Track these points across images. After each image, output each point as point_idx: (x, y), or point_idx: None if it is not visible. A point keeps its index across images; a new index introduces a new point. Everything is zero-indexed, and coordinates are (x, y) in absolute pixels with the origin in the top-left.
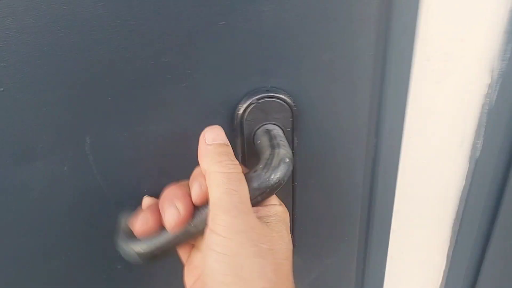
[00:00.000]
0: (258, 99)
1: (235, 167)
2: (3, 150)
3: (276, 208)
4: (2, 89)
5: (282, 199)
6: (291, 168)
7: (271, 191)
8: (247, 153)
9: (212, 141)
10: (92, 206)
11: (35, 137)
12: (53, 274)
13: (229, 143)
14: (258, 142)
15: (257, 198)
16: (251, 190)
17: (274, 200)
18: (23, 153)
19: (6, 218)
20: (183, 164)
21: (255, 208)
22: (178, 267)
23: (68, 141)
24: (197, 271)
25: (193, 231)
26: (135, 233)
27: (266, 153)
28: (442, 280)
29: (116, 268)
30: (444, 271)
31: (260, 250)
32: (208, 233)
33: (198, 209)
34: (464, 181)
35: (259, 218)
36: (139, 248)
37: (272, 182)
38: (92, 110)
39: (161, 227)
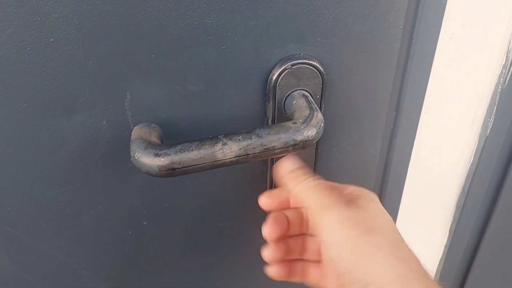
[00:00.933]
0: (292, 65)
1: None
2: (45, 101)
3: (358, 190)
4: (52, 40)
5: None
6: (322, 132)
7: (303, 146)
8: (277, 117)
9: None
10: (125, 162)
11: (78, 90)
12: (81, 228)
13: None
14: (294, 102)
15: (289, 149)
16: (285, 139)
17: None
18: (65, 105)
19: (43, 168)
20: (214, 123)
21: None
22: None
23: (109, 96)
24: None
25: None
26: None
27: (305, 112)
28: (442, 255)
29: (142, 224)
30: (445, 246)
31: (366, 227)
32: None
33: None
34: (472, 158)
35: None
36: (159, 160)
37: (308, 137)
38: (135, 66)
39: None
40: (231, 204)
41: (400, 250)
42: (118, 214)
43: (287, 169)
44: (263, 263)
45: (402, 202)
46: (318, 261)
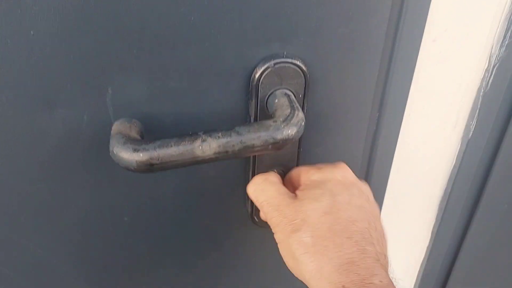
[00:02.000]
0: (274, 64)
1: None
2: (26, 96)
3: (316, 173)
4: (32, 32)
5: (287, 164)
6: (302, 132)
7: (283, 144)
8: (260, 115)
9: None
10: (106, 158)
11: (59, 84)
12: (61, 224)
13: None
14: (276, 101)
15: (268, 147)
16: (265, 137)
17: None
18: (45, 99)
19: (23, 163)
20: (197, 120)
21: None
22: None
23: (91, 90)
24: None
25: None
26: None
27: (287, 110)
28: (424, 256)
29: (123, 221)
30: (428, 247)
31: (294, 227)
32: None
33: None
34: (454, 161)
35: (297, 194)
36: (138, 155)
37: (288, 136)
38: (117, 61)
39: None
40: (214, 202)
41: (324, 244)
42: (99, 210)
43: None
44: (247, 261)
45: (384, 203)
46: None
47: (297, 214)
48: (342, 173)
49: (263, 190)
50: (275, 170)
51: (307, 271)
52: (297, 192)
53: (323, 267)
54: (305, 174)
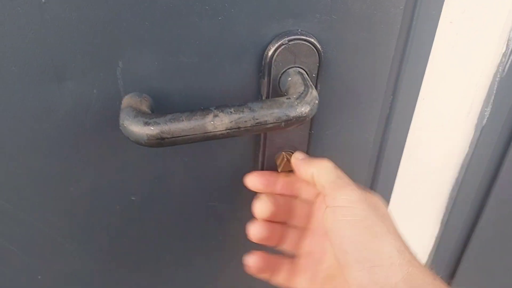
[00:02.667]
0: (289, 41)
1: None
2: (34, 65)
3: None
4: (44, 0)
5: (298, 146)
6: (316, 110)
7: (296, 122)
8: (272, 94)
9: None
10: (115, 133)
11: (69, 55)
12: (67, 201)
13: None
14: (289, 79)
15: (281, 124)
16: (278, 114)
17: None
18: (54, 71)
19: (30, 136)
20: (207, 96)
21: None
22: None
23: (101, 63)
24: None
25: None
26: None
27: (300, 88)
28: (433, 246)
29: (130, 199)
30: (437, 237)
31: (377, 213)
32: (328, 212)
33: None
34: (467, 148)
35: None
36: (148, 129)
37: (301, 114)
38: (129, 33)
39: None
40: (221, 184)
41: (403, 241)
42: (106, 187)
43: (299, 157)
44: (251, 245)
45: (394, 190)
46: (293, 257)
47: (377, 205)
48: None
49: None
50: (285, 152)
51: (400, 258)
52: None
53: (414, 259)
54: None
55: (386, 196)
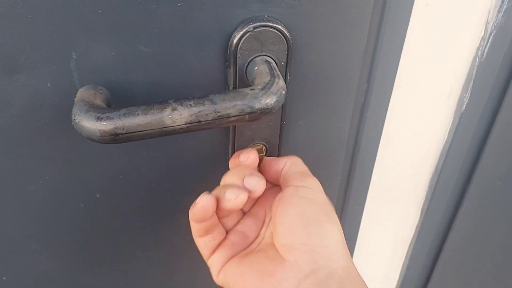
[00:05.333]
0: (254, 28)
1: None
2: None
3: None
4: None
5: (269, 138)
6: (283, 101)
7: (261, 114)
8: (239, 84)
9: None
10: (73, 129)
11: (18, 47)
12: (28, 200)
13: None
14: (256, 68)
15: (245, 117)
16: (241, 106)
17: None
18: (4, 64)
19: None
20: (170, 88)
21: None
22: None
23: (53, 55)
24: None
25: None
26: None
27: (266, 78)
28: (414, 235)
29: (95, 197)
30: (417, 226)
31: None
32: (291, 189)
33: None
34: (446, 136)
35: None
36: (101, 124)
37: (266, 106)
38: (82, 22)
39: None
40: (191, 178)
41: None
42: (69, 185)
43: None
44: None
45: (372, 179)
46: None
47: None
48: None
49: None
50: (256, 144)
51: (343, 245)
52: None
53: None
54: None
55: (365, 185)
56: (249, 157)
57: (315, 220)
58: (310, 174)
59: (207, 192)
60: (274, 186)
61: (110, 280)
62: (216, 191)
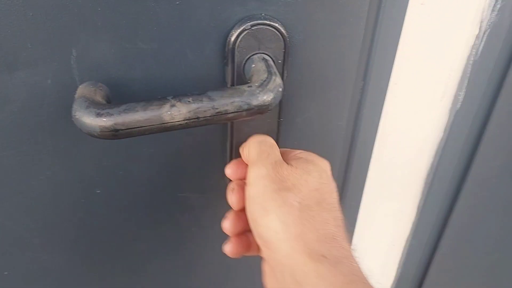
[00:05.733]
0: (251, 26)
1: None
2: None
3: (304, 153)
4: None
5: (266, 135)
6: (280, 98)
7: (258, 111)
8: (237, 82)
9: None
10: (74, 125)
11: (18, 44)
12: (30, 195)
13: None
14: (253, 66)
15: (242, 114)
16: (239, 103)
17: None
18: (5, 61)
19: None
20: (169, 85)
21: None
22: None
23: (54, 52)
24: None
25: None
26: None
27: (263, 75)
28: (410, 231)
29: (95, 193)
30: (413, 223)
31: (283, 186)
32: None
33: None
34: (442, 133)
35: (288, 163)
36: (101, 120)
37: (263, 102)
38: (81, 20)
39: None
40: (191, 173)
41: (310, 213)
42: (69, 180)
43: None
44: (226, 236)
45: (368, 176)
46: None
47: (289, 177)
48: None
49: (265, 141)
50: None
51: (286, 232)
52: (289, 161)
53: (307, 233)
54: (289, 152)
55: (361, 182)
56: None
57: (253, 220)
58: (253, 161)
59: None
60: None
61: (110, 275)
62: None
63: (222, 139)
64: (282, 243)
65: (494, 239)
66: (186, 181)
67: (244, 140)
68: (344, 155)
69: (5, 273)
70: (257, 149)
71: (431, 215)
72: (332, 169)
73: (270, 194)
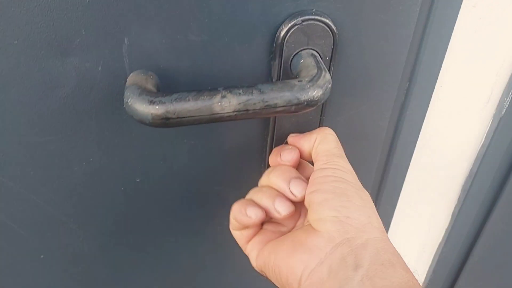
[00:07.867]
0: (302, 21)
1: None
2: (38, 39)
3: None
4: None
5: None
6: (328, 95)
7: (307, 106)
8: (282, 77)
9: None
10: (120, 113)
11: (73, 30)
12: (71, 180)
13: None
14: (301, 61)
15: (291, 108)
16: (289, 97)
17: None
18: (59, 46)
19: (33, 113)
20: (215, 77)
21: None
22: None
23: (106, 40)
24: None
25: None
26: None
27: (313, 71)
28: (442, 238)
29: (135, 181)
30: (446, 230)
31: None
32: (320, 171)
33: None
34: (483, 139)
35: None
36: (153, 108)
37: (313, 98)
38: (135, 9)
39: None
40: (229, 168)
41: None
42: (111, 168)
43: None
44: None
45: (406, 179)
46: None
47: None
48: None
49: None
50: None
51: (366, 212)
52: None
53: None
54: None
55: (398, 185)
56: (292, 157)
57: (344, 195)
58: (338, 153)
59: (254, 204)
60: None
61: (140, 263)
62: (260, 194)
63: (262, 135)
64: (370, 225)
65: None
66: (224, 175)
67: (285, 136)
68: (383, 156)
69: (41, 256)
70: (336, 142)
71: (465, 223)
72: (370, 171)
73: (360, 187)
